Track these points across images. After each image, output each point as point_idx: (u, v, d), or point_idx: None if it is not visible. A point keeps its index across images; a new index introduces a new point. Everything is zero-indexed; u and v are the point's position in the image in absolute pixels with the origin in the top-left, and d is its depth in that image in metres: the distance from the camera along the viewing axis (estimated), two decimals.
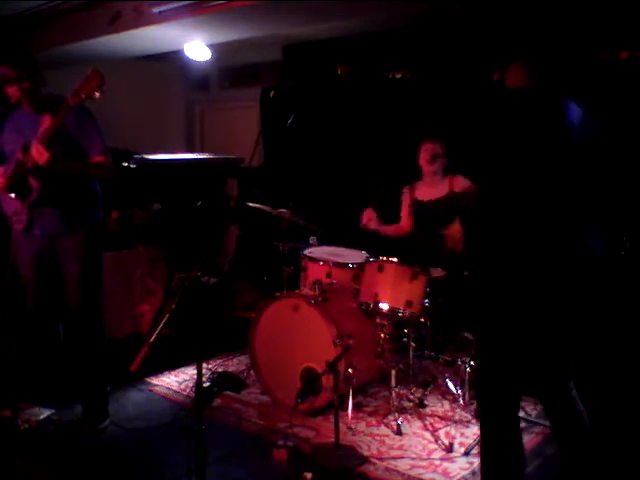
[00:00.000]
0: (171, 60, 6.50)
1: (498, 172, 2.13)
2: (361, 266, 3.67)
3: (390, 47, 5.26)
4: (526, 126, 2.08)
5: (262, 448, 3.12)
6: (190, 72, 7.17)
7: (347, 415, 3.36)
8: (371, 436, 3.27)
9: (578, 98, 2.15)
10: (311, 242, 4.18)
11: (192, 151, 7.32)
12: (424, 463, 3.00)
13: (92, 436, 3.26)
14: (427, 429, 3.33)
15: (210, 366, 4.20)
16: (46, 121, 2.98)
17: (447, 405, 3.59)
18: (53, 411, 3.47)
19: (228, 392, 3.80)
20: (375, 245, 4.05)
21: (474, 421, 3.33)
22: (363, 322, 3.61)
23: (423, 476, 2.88)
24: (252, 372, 3.82)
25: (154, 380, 4.04)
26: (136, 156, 5.01)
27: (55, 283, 3.27)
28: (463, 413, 3.46)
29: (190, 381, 4.00)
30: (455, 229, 3.36)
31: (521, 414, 3.32)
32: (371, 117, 5.48)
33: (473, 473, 2.87)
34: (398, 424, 3.30)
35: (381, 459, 3.03)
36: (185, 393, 3.83)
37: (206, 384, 3.82)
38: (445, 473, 2.91)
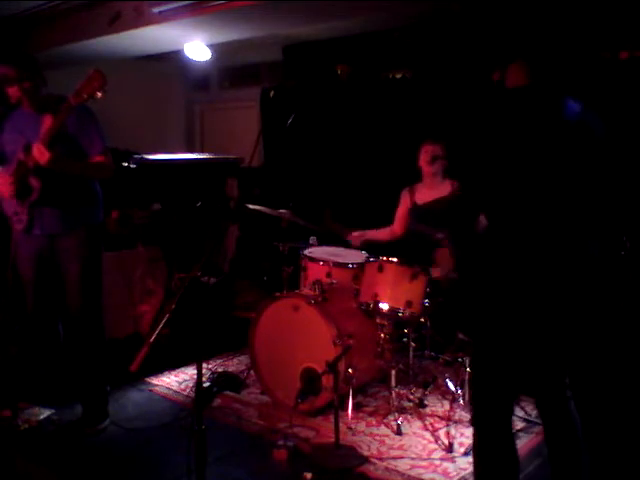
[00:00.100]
0: (171, 60, 6.50)
1: (498, 173, 2.13)
2: (361, 266, 3.67)
3: (390, 47, 5.26)
4: (526, 126, 2.08)
5: (262, 448, 3.12)
6: (190, 72, 7.17)
7: (347, 415, 3.36)
8: (371, 436, 3.27)
9: (578, 98, 2.15)
10: (311, 242, 4.18)
11: (192, 151, 7.32)
12: (424, 463, 3.00)
13: (92, 436, 3.26)
14: (427, 429, 3.34)
15: (210, 366, 4.20)
16: (47, 121, 2.99)
17: (447, 405, 3.58)
18: (53, 411, 3.47)
19: (228, 392, 3.80)
20: (375, 245, 4.05)
21: None
22: (363, 322, 3.61)
23: (423, 476, 2.88)
24: (252, 372, 3.82)
25: (154, 380, 4.04)
26: (136, 156, 5.01)
27: (55, 283, 3.27)
28: (463, 413, 3.46)
29: (190, 381, 4.00)
30: (444, 254, 3.38)
31: (521, 414, 3.35)
32: (371, 117, 5.48)
33: (473, 473, 2.87)
34: (398, 424, 3.30)
35: (381, 459, 3.03)
36: (185, 393, 3.83)
37: (206, 384, 3.83)
38: (445, 473, 2.91)
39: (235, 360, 4.41)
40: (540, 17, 2.34)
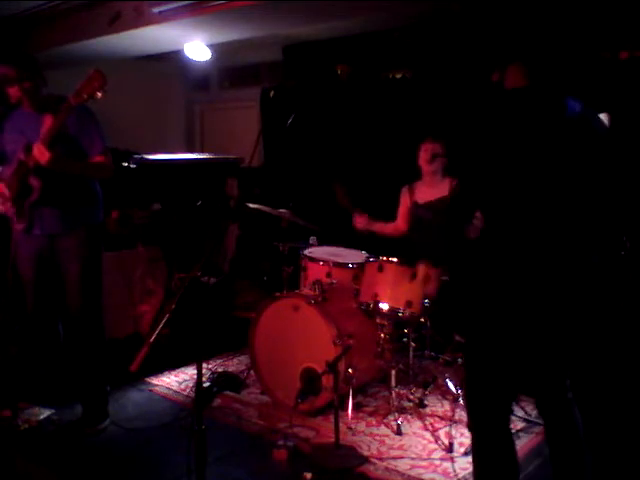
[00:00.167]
0: (171, 60, 6.50)
1: (498, 174, 2.12)
2: (361, 266, 3.67)
3: (390, 47, 5.26)
4: (527, 127, 2.07)
5: (262, 448, 3.12)
6: (190, 72, 7.17)
7: (347, 415, 3.36)
8: (371, 436, 3.27)
9: (578, 98, 2.15)
10: (311, 242, 4.18)
11: (192, 151, 7.32)
12: (424, 463, 3.00)
13: (92, 436, 3.26)
14: (427, 429, 3.34)
15: (210, 366, 4.20)
16: (47, 121, 2.99)
17: (447, 405, 3.59)
18: (53, 411, 3.47)
19: (228, 392, 3.80)
20: (375, 245, 4.05)
21: None
22: (363, 322, 3.61)
23: (423, 476, 2.88)
24: (252, 372, 3.82)
25: (154, 380, 4.04)
26: (136, 156, 5.01)
27: (55, 283, 3.27)
28: (463, 413, 3.45)
29: (190, 381, 4.00)
30: (424, 270, 3.37)
31: (521, 414, 3.35)
32: (371, 117, 5.48)
33: (473, 474, 2.87)
34: (398, 424, 3.30)
35: (381, 459, 3.03)
36: (185, 393, 3.83)
37: (206, 384, 3.83)
38: (445, 473, 2.91)
39: (235, 360, 4.41)
40: (538, 18, 2.34)
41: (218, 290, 5.03)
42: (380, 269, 3.45)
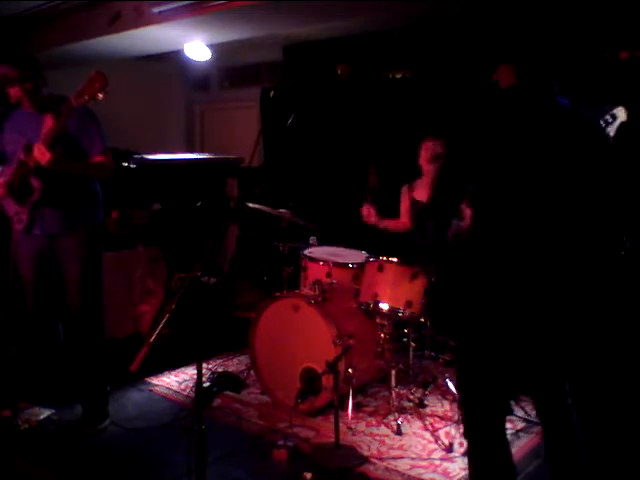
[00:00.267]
0: (171, 60, 6.50)
1: (492, 174, 2.11)
2: (361, 266, 3.67)
3: (390, 47, 5.26)
4: (518, 125, 2.07)
5: (262, 448, 3.12)
6: (190, 72, 7.17)
7: (347, 415, 3.36)
8: (371, 436, 3.27)
9: (579, 98, 2.14)
10: (311, 242, 4.19)
11: (192, 151, 7.32)
12: (424, 463, 3.00)
13: (92, 436, 3.26)
14: (427, 429, 3.34)
15: (210, 366, 4.20)
16: (48, 121, 2.99)
17: (447, 405, 3.59)
18: (53, 411, 3.47)
19: (228, 392, 3.80)
20: (375, 245, 4.05)
21: None
22: (363, 322, 3.61)
23: (423, 476, 2.88)
24: (252, 372, 3.82)
25: (154, 380, 4.04)
26: (136, 156, 5.01)
27: (55, 283, 3.27)
28: None
29: (190, 381, 4.00)
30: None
31: (520, 414, 3.35)
32: (371, 117, 5.48)
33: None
34: (398, 424, 3.30)
35: (381, 459, 3.03)
36: (185, 393, 3.83)
37: (206, 384, 3.83)
38: (445, 473, 2.91)
39: (235, 360, 4.41)
40: (535, 18, 2.34)
41: (218, 290, 5.03)
42: (380, 269, 3.45)
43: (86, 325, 3.27)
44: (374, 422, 3.43)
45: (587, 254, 2.09)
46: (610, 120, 2.70)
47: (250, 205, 4.04)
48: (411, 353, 3.62)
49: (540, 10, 3.53)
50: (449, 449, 3.10)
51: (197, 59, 5.51)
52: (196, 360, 2.37)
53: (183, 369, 4.22)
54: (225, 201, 5.41)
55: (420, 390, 3.66)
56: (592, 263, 2.10)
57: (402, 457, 3.05)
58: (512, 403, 3.34)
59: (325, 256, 3.90)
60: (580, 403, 2.25)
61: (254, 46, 6.05)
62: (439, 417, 3.46)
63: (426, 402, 3.61)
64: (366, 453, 3.08)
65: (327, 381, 3.19)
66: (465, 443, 3.08)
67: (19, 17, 5.12)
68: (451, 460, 3.01)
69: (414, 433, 3.30)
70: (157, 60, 6.47)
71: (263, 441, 3.21)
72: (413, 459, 3.03)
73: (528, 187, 2.05)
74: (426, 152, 3.90)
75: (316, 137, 5.82)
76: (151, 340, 2.12)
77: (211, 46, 5.36)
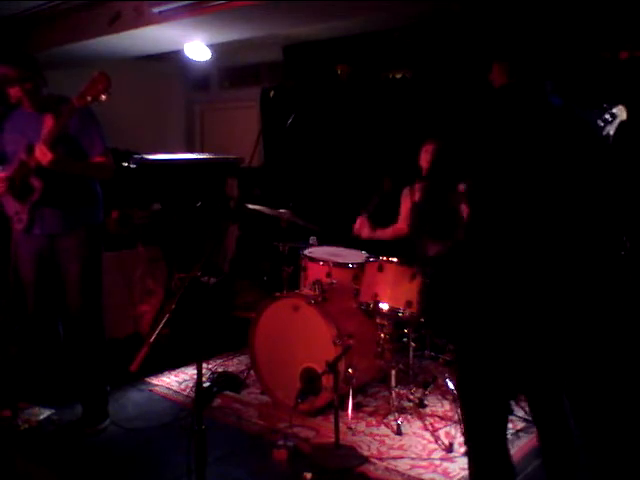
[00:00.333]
0: (171, 60, 6.50)
1: (488, 174, 2.10)
2: (361, 266, 3.67)
3: (390, 47, 5.26)
4: (510, 125, 2.05)
5: (262, 448, 3.12)
6: (190, 72, 7.17)
7: (347, 415, 3.36)
8: (371, 436, 3.27)
9: (579, 98, 2.14)
10: (311, 242, 4.18)
11: (192, 151, 7.32)
12: (424, 463, 3.00)
13: (92, 436, 3.26)
14: (427, 429, 3.34)
15: (210, 366, 4.20)
16: (49, 121, 2.99)
17: (447, 405, 3.59)
18: (53, 411, 3.47)
19: (228, 392, 3.80)
20: (375, 245, 4.05)
21: None
22: (363, 322, 3.61)
23: (423, 476, 2.88)
24: (252, 372, 3.82)
25: (154, 380, 4.04)
26: (136, 156, 5.01)
27: (55, 283, 3.27)
28: None
29: (190, 381, 4.00)
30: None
31: (520, 414, 3.34)
32: (371, 117, 5.48)
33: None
34: (398, 424, 3.30)
35: (381, 459, 3.03)
36: (185, 393, 3.83)
37: (206, 384, 3.83)
38: (445, 473, 2.91)
39: (235, 360, 4.41)
40: (534, 18, 2.33)
41: (218, 290, 5.03)
42: (380, 269, 3.45)
43: (86, 325, 3.27)
44: (374, 422, 3.43)
45: (585, 254, 2.08)
46: (609, 119, 2.69)
47: (250, 205, 4.04)
48: (411, 353, 3.62)
49: (539, 10, 3.53)
50: (449, 449, 3.10)
51: (197, 59, 5.52)
52: (196, 360, 2.37)
53: (183, 369, 4.22)
54: (225, 201, 5.41)
55: (420, 390, 3.66)
56: (591, 263, 2.09)
57: (402, 457, 3.05)
58: (512, 403, 3.34)
59: (325, 256, 3.90)
60: (580, 405, 2.24)
61: (254, 46, 6.05)
62: (439, 417, 3.46)
63: (426, 402, 3.61)
64: (366, 453, 3.08)
65: (327, 381, 3.19)
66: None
67: (19, 17, 5.12)
68: (451, 460, 3.01)
69: (414, 433, 3.30)
70: (157, 60, 6.47)
71: (263, 441, 3.21)
72: (413, 459, 3.03)
73: (522, 187, 2.04)
74: (427, 153, 3.89)
75: (316, 137, 5.82)
76: (151, 340, 2.12)
77: (211, 46, 5.36)
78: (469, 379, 2.22)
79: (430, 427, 3.35)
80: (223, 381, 3.89)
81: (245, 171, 5.72)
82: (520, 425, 3.28)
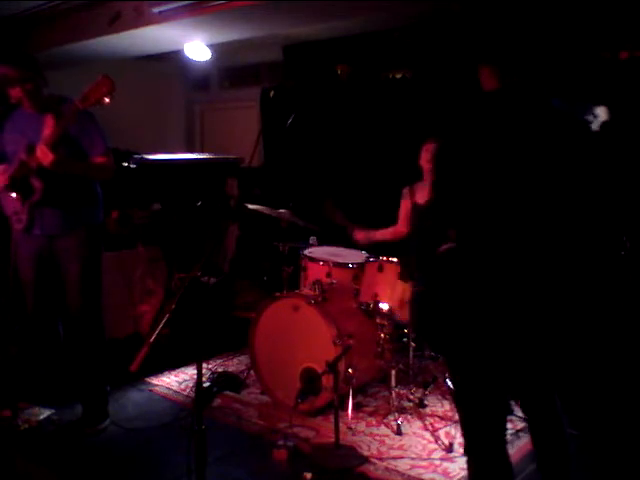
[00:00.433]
0: (171, 60, 6.50)
1: (479, 179, 2.06)
2: (361, 266, 3.67)
3: (390, 47, 5.26)
4: (505, 128, 2.03)
5: (262, 448, 3.12)
6: (190, 72, 7.17)
7: (347, 415, 3.36)
8: (371, 436, 3.27)
9: (579, 98, 2.13)
10: (311, 242, 4.18)
11: (192, 151, 7.32)
12: (424, 463, 3.00)
13: (92, 436, 3.26)
14: (427, 429, 3.34)
15: (210, 366, 4.20)
16: (49, 122, 2.98)
17: (447, 405, 3.58)
18: (53, 411, 3.47)
19: (228, 392, 3.80)
20: (375, 245, 4.05)
21: None
22: (363, 322, 3.61)
23: (423, 476, 2.88)
24: (252, 372, 3.82)
25: (154, 380, 4.04)
26: (136, 156, 5.01)
27: (55, 283, 3.27)
28: None
29: (190, 381, 4.00)
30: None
31: (520, 414, 3.33)
32: (371, 117, 5.48)
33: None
34: (398, 424, 3.30)
35: (381, 459, 3.03)
36: (185, 393, 3.83)
37: (206, 384, 3.83)
38: (445, 473, 2.91)
39: (235, 360, 4.41)
40: (532, 18, 2.31)
41: (218, 290, 5.03)
42: (380, 269, 3.45)
43: (86, 325, 3.27)
44: (374, 422, 3.43)
45: (585, 255, 2.07)
46: (591, 119, 2.69)
47: (250, 205, 4.04)
48: (411, 353, 3.62)
49: (538, 10, 3.53)
50: (449, 449, 3.09)
51: (197, 59, 5.51)
52: (196, 360, 2.37)
53: (183, 369, 4.22)
54: (225, 201, 5.41)
55: (420, 390, 3.66)
56: (590, 264, 2.09)
57: (402, 457, 3.05)
58: (512, 403, 3.34)
59: (325, 256, 3.90)
60: (580, 404, 2.24)
61: (254, 46, 6.05)
62: (439, 417, 3.46)
63: (426, 402, 3.61)
64: (366, 453, 3.08)
65: (327, 381, 3.19)
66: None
67: (19, 17, 5.12)
68: (451, 460, 3.01)
69: (414, 433, 3.30)
70: (157, 60, 6.47)
71: (263, 441, 3.21)
72: (413, 459, 3.03)
73: (522, 189, 2.01)
74: (427, 153, 3.88)
75: (316, 137, 5.82)
76: (151, 340, 2.12)
77: (211, 46, 5.36)
78: (464, 382, 2.22)
79: (430, 427, 3.35)
80: (223, 381, 3.89)
81: (245, 171, 5.72)
82: (520, 425, 3.27)
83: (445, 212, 2.14)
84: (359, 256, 3.89)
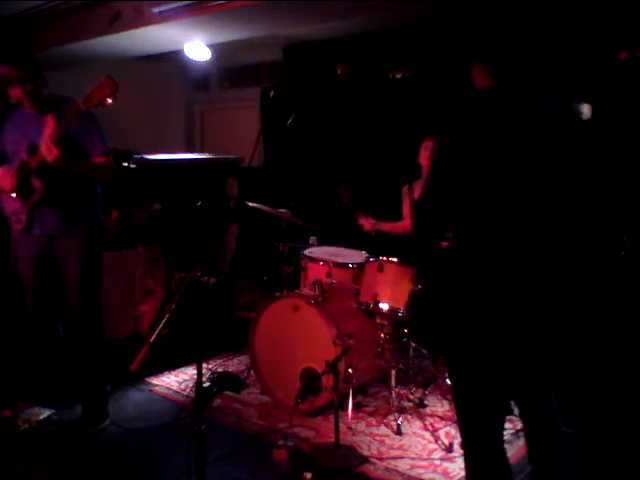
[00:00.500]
0: (171, 60, 6.50)
1: (475, 179, 2.05)
2: (361, 266, 3.67)
3: (390, 47, 5.26)
4: (496, 129, 2.02)
5: (262, 448, 3.12)
6: (190, 72, 7.17)
7: (347, 415, 3.36)
8: (371, 436, 3.27)
9: (579, 98, 2.13)
10: (311, 242, 4.19)
11: (192, 151, 7.32)
12: (424, 463, 3.00)
13: (92, 436, 3.26)
14: (427, 429, 3.34)
15: (210, 366, 4.20)
16: (50, 122, 2.98)
17: (447, 405, 3.58)
18: (53, 411, 3.47)
19: (228, 392, 3.80)
20: (375, 245, 4.05)
21: None
22: (363, 322, 3.61)
23: (423, 476, 2.89)
24: (252, 372, 3.82)
25: (154, 380, 4.04)
26: (136, 156, 5.01)
27: (55, 283, 3.27)
28: None
29: (190, 381, 4.00)
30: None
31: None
32: (371, 117, 5.48)
33: None
34: (398, 424, 3.30)
35: (381, 459, 3.03)
36: (185, 393, 3.83)
37: (206, 384, 3.83)
38: (445, 473, 2.91)
39: (235, 360, 4.41)
40: (531, 18, 2.31)
41: (218, 290, 5.03)
42: (380, 269, 3.45)
43: (86, 325, 3.27)
44: (374, 422, 3.43)
45: (584, 255, 2.07)
46: (584, 117, 2.69)
47: (250, 205, 4.04)
48: (411, 353, 3.63)
49: (538, 10, 3.53)
50: (449, 449, 3.10)
51: (197, 59, 5.52)
52: (196, 360, 2.37)
53: (183, 369, 4.22)
54: (225, 201, 5.41)
55: (420, 390, 3.66)
56: (590, 264, 2.09)
57: (402, 457, 3.05)
58: (512, 403, 3.34)
59: (325, 256, 3.90)
60: (581, 405, 2.24)
61: (254, 46, 6.05)
62: (439, 417, 3.46)
63: (426, 402, 3.61)
64: (366, 453, 3.08)
65: (327, 381, 3.19)
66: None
67: (19, 17, 5.12)
68: (451, 460, 3.01)
69: (414, 433, 3.30)
70: (157, 60, 6.47)
71: (263, 441, 3.21)
72: (413, 459, 3.03)
73: (520, 189, 1.99)
74: (426, 151, 3.88)
75: (316, 137, 5.82)
76: (151, 340, 2.12)
77: (211, 46, 5.36)
78: (463, 381, 2.21)
79: (430, 427, 3.35)
80: (223, 381, 3.89)
81: (245, 171, 5.72)
82: (520, 425, 3.27)
83: (442, 212, 2.13)
84: (359, 256, 3.89)
